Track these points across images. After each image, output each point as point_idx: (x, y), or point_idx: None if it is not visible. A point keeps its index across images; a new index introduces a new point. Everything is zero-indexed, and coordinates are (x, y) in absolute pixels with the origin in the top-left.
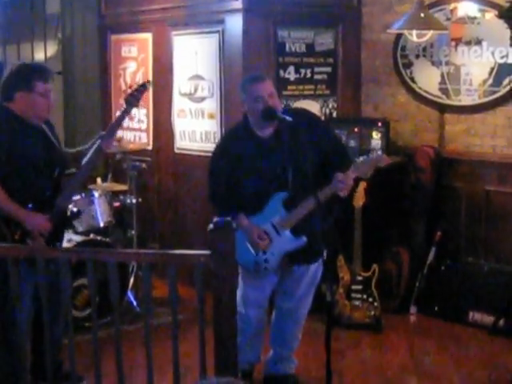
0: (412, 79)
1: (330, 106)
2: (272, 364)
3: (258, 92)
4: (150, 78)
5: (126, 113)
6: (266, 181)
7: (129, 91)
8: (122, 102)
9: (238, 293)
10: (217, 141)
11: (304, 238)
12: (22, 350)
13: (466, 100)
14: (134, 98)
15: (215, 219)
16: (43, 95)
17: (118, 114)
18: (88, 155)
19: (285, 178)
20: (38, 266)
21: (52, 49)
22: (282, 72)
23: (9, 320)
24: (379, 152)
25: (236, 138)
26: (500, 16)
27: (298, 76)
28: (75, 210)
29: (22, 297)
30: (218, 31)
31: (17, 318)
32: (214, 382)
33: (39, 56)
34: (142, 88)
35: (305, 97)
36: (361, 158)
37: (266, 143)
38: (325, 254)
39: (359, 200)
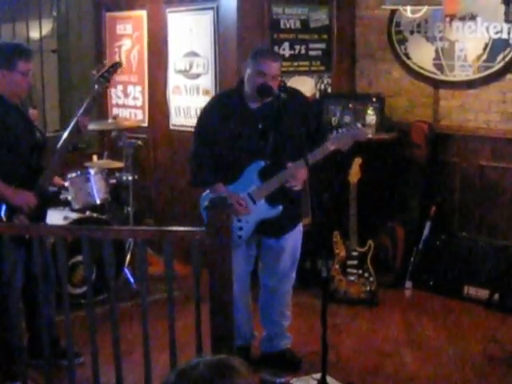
0: (406, 55)
1: (325, 82)
2: (267, 342)
3: (265, 68)
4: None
5: (98, 93)
6: (245, 150)
7: (100, 72)
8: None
9: None
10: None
11: (279, 207)
12: (17, 328)
13: (460, 75)
14: (104, 79)
15: (211, 196)
16: (24, 74)
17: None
18: (64, 135)
19: (264, 149)
20: (33, 244)
21: (47, 27)
22: (276, 48)
23: (2, 298)
24: (358, 125)
25: (225, 102)
26: None
27: (292, 52)
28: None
29: (14, 274)
30: (212, 8)
31: (10, 296)
32: (210, 359)
33: (34, 34)
34: (112, 68)
35: (300, 73)
36: (340, 131)
37: (253, 113)
38: (301, 229)
39: (354, 176)
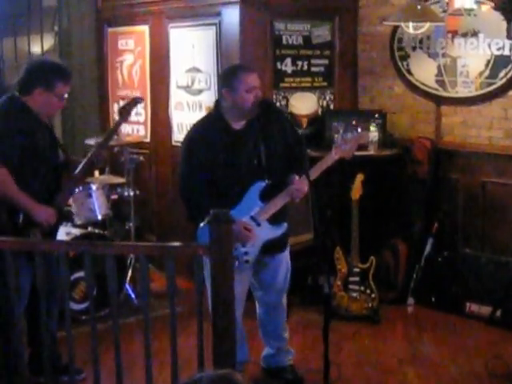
0: (408, 71)
1: (327, 98)
2: (270, 358)
3: (252, 82)
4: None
5: (119, 124)
6: (242, 173)
7: (122, 104)
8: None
9: None
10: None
11: (285, 224)
12: (19, 343)
13: (462, 92)
14: (125, 112)
15: (213, 211)
16: (60, 96)
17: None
18: (83, 162)
19: (260, 169)
20: (36, 259)
21: (49, 42)
22: (279, 64)
23: (5, 313)
24: (359, 129)
25: (209, 129)
26: (496, 8)
27: (294, 68)
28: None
29: (20, 290)
30: (214, 24)
31: (14, 311)
32: (212, 374)
33: (36, 49)
34: (134, 104)
35: (302, 89)
36: (341, 137)
37: (239, 135)
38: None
39: (356, 192)
